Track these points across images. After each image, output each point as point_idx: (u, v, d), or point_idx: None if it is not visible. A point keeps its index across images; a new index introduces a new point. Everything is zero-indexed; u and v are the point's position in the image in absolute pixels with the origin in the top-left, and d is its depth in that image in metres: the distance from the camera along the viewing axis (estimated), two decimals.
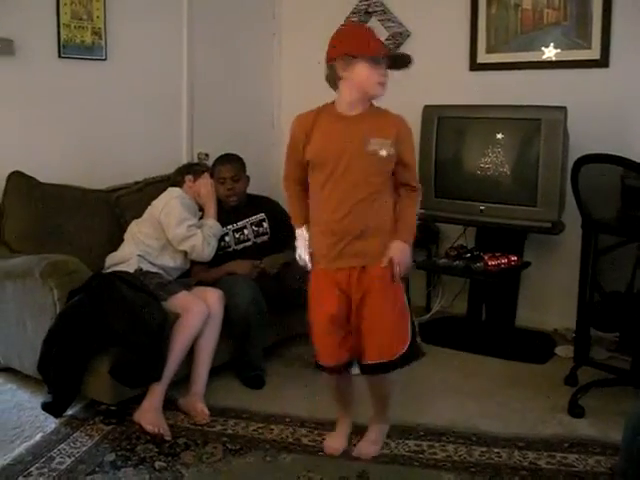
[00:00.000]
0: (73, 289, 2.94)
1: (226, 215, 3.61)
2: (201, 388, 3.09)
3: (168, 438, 2.81)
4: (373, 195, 2.44)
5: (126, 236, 3.43)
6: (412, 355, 2.58)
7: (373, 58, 2.36)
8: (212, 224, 3.49)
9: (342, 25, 2.58)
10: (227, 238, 3.62)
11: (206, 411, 2.99)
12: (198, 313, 3.07)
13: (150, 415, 2.86)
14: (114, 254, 3.35)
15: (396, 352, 2.51)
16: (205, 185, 3.57)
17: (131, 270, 3.19)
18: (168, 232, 3.36)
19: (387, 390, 2.73)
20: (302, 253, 2.57)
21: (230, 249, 3.63)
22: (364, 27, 2.59)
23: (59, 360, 2.85)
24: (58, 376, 2.88)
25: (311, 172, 2.50)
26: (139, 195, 3.70)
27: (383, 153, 2.41)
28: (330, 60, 2.42)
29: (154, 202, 3.47)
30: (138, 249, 3.31)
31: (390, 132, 2.43)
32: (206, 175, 3.61)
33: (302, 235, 2.58)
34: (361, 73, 2.36)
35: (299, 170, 2.54)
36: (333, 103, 2.48)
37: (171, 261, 3.39)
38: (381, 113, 2.49)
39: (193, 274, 3.50)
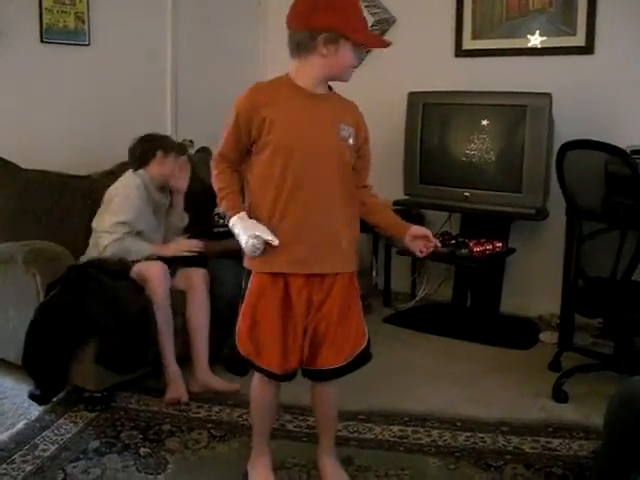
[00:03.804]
0: (51, 281, 2.92)
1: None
2: (204, 365, 3.12)
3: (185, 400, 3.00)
4: (346, 191, 2.21)
5: (91, 241, 3.26)
6: (367, 354, 2.32)
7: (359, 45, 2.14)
8: (144, 250, 3.17)
9: None
10: (223, 221, 3.59)
11: (222, 383, 3.09)
12: (156, 277, 3.03)
13: (177, 386, 3.03)
14: (84, 257, 3.21)
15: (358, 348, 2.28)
16: (180, 174, 3.35)
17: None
18: (101, 215, 3.21)
19: (337, 403, 2.44)
20: (262, 234, 2.10)
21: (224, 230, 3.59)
22: (358, 4, 2.18)
23: (43, 354, 2.84)
24: (43, 370, 2.87)
25: (266, 157, 2.14)
26: (111, 178, 3.50)
27: (351, 141, 2.18)
28: (311, 27, 2.08)
29: (110, 189, 3.27)
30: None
31: (353, 119, 2.22)
32: (186, 164, 3.40)
33: (245, 219, 2.14)
34: (345, 57, 2.10)
35: (238, 151, 2.18)
36: (287, 76, 2.17)
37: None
38: (340, 97, 2.24)
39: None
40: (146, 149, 3.31)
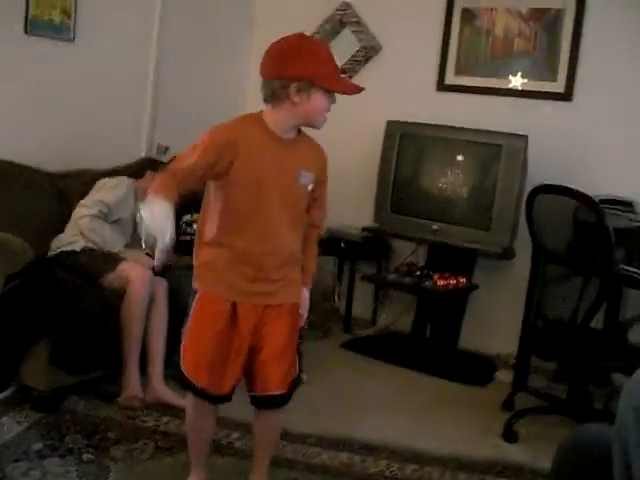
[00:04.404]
0: (8, 274, 2.86)
1: (189, 202, 3.57)
2: (159, 376, 3.08)
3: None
4: (297, 232, 2.25)
5: (70, 224, 3.32)
6: (299, 380, 2.41)
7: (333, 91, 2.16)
8: (117, 245, 3.29)
9: (299, 37, 2.16)
10: (190, 229, 3.59)
11: (178, 398, 2.93)
12: (138, 280, 3.04)
13: (133, 390, 3.00)
14: (59, 237, 3.27)
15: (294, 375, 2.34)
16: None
17: (78, 249, 3.15)
18: (89, 195, 3.32)
19: (281, 427, 2.50)
20: (166, 229, 1.93)
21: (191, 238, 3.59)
22: (329, 49, 2.18)
23: None
24: None
25: (229, 191, 2.14)
26: (84, 177, 3.60)
27: (310, 187, 2.22)
28: (282, 76, 2.09)
29: (100, 181, 3.41)
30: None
31: (316, 164, 2.25)
32: None
33: (164, 206, 1.92)
34: (316, 103, 2.12)
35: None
36: (260, 116, 2.18)
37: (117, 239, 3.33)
38: (309, 141, 2.27)
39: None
40: (141, 167, 3.62)
